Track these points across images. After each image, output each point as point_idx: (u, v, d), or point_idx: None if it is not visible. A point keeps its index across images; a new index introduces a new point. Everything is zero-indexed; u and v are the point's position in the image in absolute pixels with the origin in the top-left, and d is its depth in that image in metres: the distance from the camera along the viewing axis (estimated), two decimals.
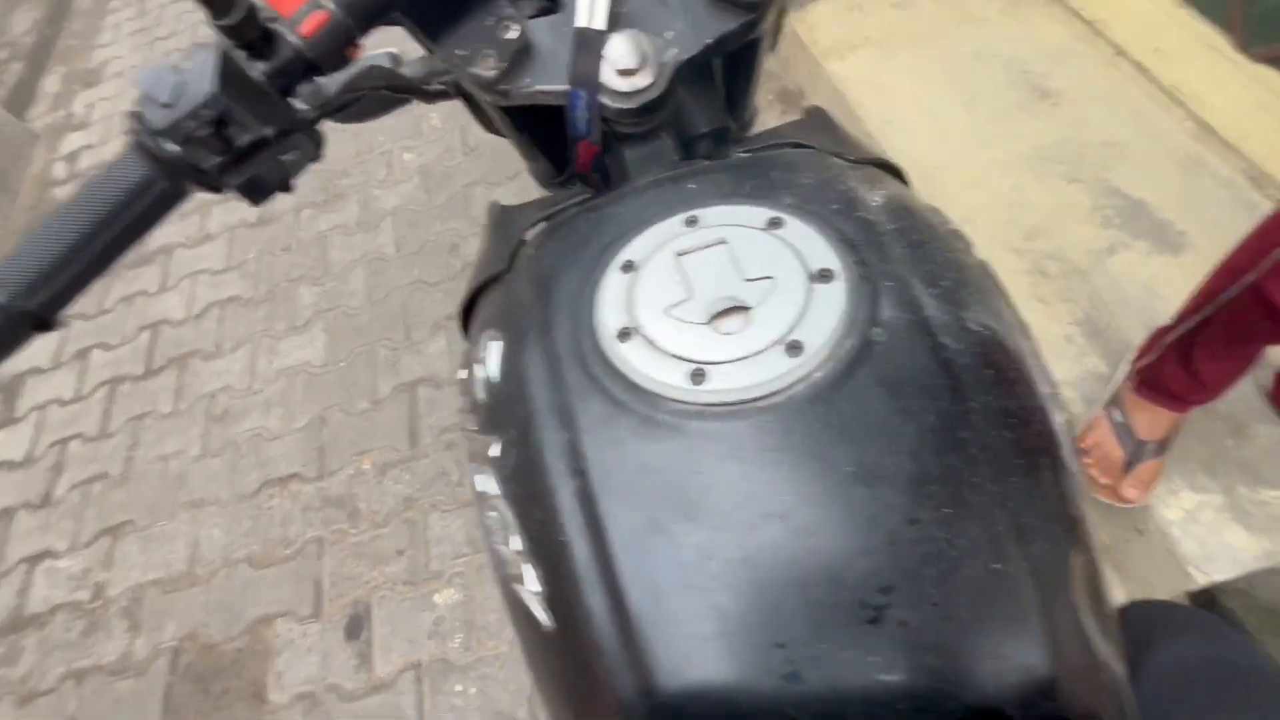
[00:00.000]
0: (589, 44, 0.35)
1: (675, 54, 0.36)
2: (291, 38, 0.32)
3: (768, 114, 1.70)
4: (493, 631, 1.16)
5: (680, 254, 0.32)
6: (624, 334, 0.29)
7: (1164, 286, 1.10)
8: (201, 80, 0.30)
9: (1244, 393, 0.97)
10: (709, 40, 0.36)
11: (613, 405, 0.28)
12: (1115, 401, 0.98)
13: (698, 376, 0.27)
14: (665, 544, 0.25)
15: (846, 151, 0.41)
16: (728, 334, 0.28)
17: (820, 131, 0.44)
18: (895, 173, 0.43)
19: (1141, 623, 0.47)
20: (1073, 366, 1.07)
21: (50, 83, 2.68)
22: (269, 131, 0.33)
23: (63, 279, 0.31)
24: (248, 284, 1.76)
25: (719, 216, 0.33)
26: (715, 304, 0.29)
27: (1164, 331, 0.89)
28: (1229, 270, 0.79)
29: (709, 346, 0.28)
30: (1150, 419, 0.93)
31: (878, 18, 1.59)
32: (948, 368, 0.27)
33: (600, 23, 0.35)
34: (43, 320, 0.31)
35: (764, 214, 0.32)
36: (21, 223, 2.17)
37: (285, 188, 0.37)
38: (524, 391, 0.31)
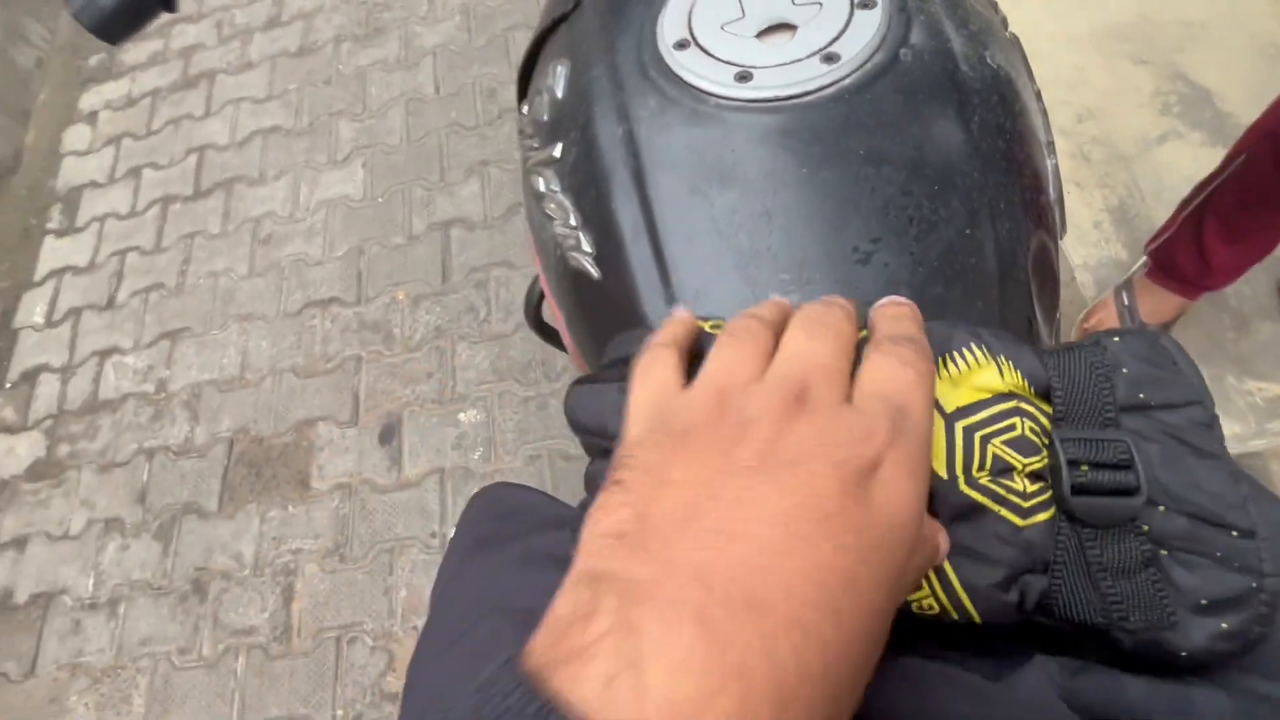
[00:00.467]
0: None
1: None
2: None
3: None
4: (510, 449, 1.29)
5: None
6: (681, 44, 0.34)
7: None
8: None
9: (1256, 288, 0.98)
10: None
11: (665, 101, 0.33)
12: (1127, 285, 0.99)
13: (743, 78, 0.32)
14: (700, 203, 0.31)
15: None
16: (773, 46, 0.33)
17: None
18: None
19: None
20: (1094, 252, 1.08)
21: None
22: None
23: None
24: (289, 114, 1.79)
25: None
26: (765, 21, 0.34)
27: (1181, 207, 0.89)
28: (1252, 130, 0.78)
29: (755, 54, 0.33)
30: (1157, 302, 0.96)
31: None
32: (960, 86, 0.32)
33: None
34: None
35: None
36: (69, 37, 2.17)
37: None
38: (588, 99, 0.36)
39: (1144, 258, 1.00)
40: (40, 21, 2.20)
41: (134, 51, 2.08)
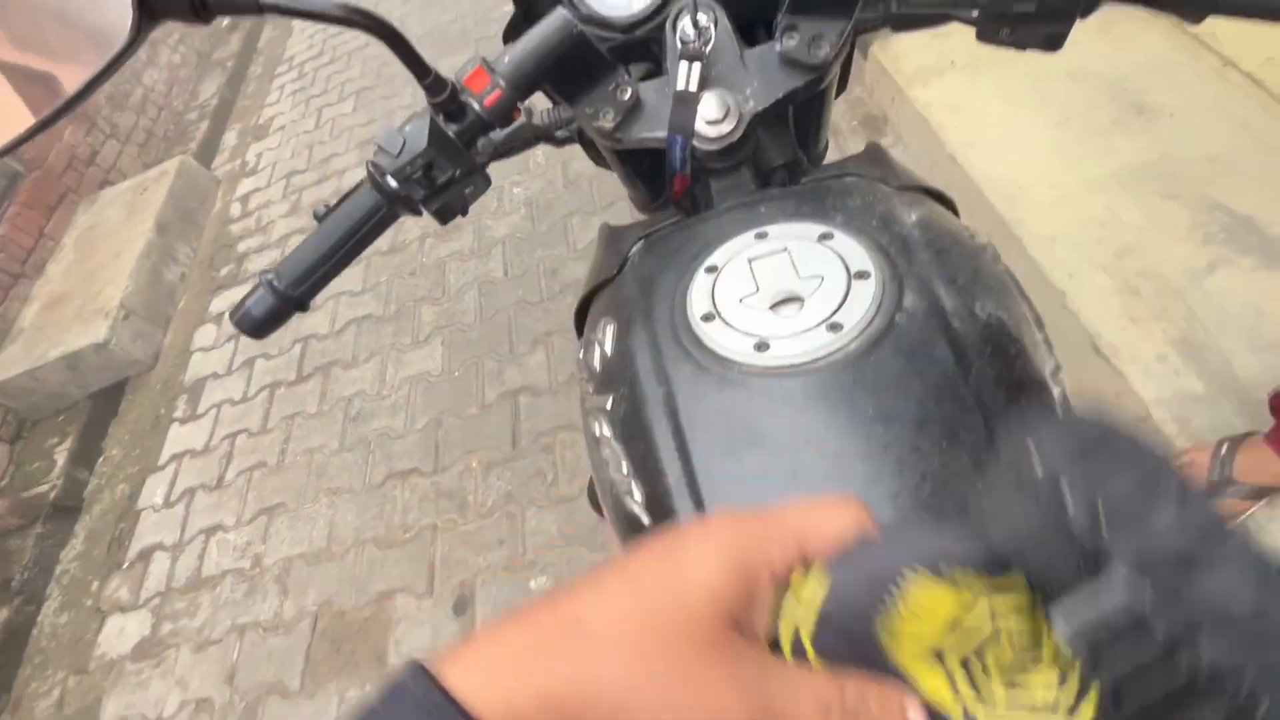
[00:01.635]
0: (685, 102, 0.46)
1: (752, 106, 0.46)
2: (477, 107, 0.44)
3: (850, 139, 1.75)
4: None
5: (751, 259, 0.41)
6: (707, 317, 0.39)
7: (1272, 305, 1.05)
8: (418, 139, 0.44)
9: None
10: (780, 95, 0.46)
11: (698, 368, 0.38)
12: (1236, 439, 0.92)
13: (761, 347, 0.37)
14: (734, 463, 0.35)
15: (894, 180, 0.49)
16: (785, 317, 0.38)
17: (874, 165, 0.52)
18: (941, 198, 0.51)
19: None
20: (1165, 386, 1.04)
21: (229, 137, 3.19)
22: (457, 172, 0.46)
23: (318, 275, 0.45)
24: (380, 303, 2.03)
25: (782, 231, 0.43)
26: (776, 295, 0.39)
27: None
28: None
29: (770, 326, 0.38)
30: (1255, 462, 0.88)
31: (964, 42, 1.61)
32: (955, 342, 0.35)
33: (694, 86, 0.46)
34: (302, 304, 0.46)
35: (818, 229, 0.42)
36: (207, 253, 2.60)
37: (464, 211, 0.50)
38: (631, 359, 0.41)
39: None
40: (187, 243, 2.66)
41: (256, 260, 2.46)
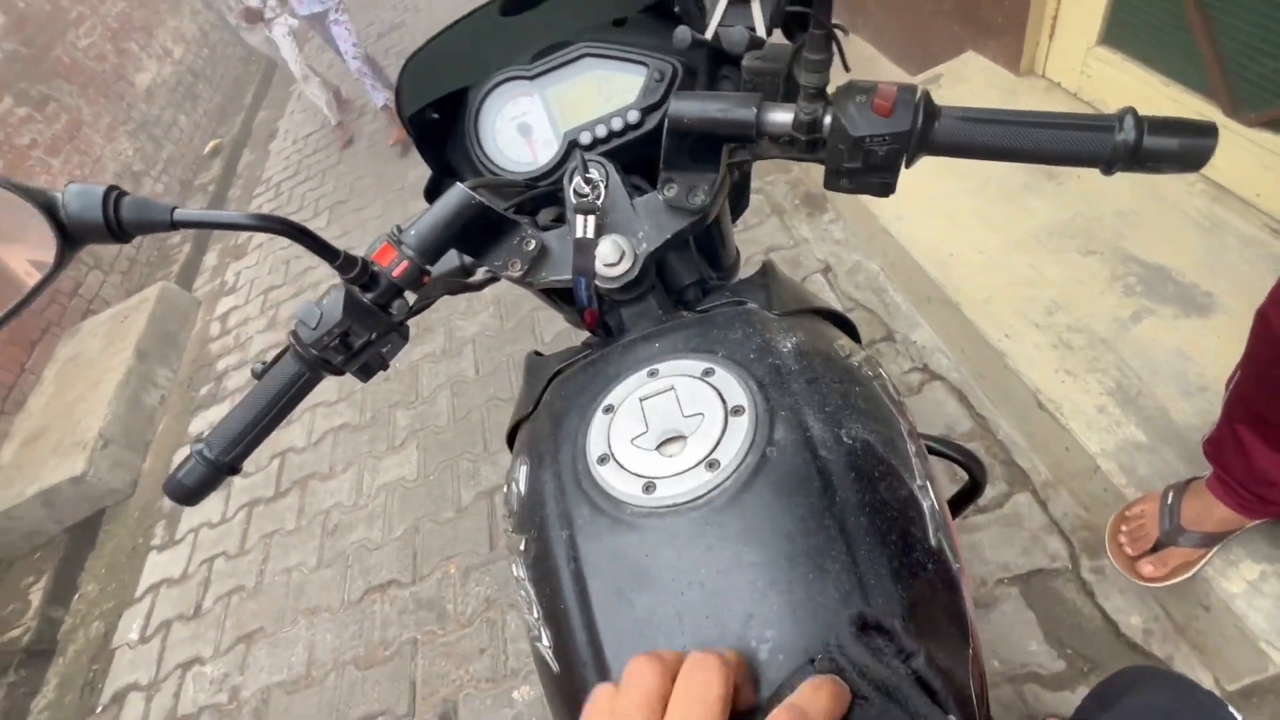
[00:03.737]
0: (584, 248, 0.51)
1: (645, 248, 0.52)
2: (387, 277, 0.49)
3: (794, 216, 1.85)
4: None
5: (643, 399, 0.44)
6: (602, 459, 0.42)
7: (1196, 350, 1.09)
8: (334, 310, 0.47)
9: None
10: (669, 236, 0.52)
11: (595, 510, 0.40)
12: (1179, 486, 0.94)
13: (649, 488, 0.39)
14: (627, 607, 0.37)
15: (780, 304, 0.53)
16: (669, 456, 0.40)
17: (763, 288, 0.57)
18: (827, 314, 0.55)
19: (1124, 680, 0.52)
20: (1109, 438, 1.07)
21: (210, 259, 3.30)
22: (374, 335, 0.50)
23: (247, 440, 0.48)
24: (355, 412, 2.06)
25: (671, 368, 0.46)
26: (662, 435, 0.42)
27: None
28: (1256, 316, 0.72)
29: (657, 467, 0.40)
30: (1200, 508, 0.89)
31: None
32: (821, 472, 0.38)
33: (591, 233, 0.51)
34: (233, 468, 0.48)
35: (701, 365, 0.45)
36: (186, 374, 2.64)
37: (384, 367, 0.54)
38: (541, 502, 0.44)
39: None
40: (167, 366, 2.70)
41: (236, 377, 2.50)
